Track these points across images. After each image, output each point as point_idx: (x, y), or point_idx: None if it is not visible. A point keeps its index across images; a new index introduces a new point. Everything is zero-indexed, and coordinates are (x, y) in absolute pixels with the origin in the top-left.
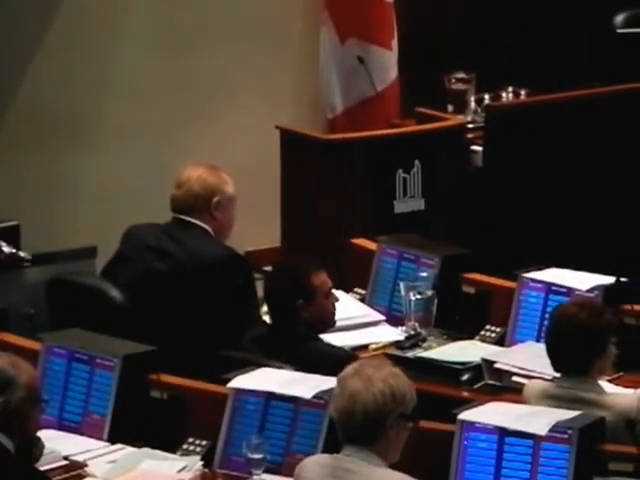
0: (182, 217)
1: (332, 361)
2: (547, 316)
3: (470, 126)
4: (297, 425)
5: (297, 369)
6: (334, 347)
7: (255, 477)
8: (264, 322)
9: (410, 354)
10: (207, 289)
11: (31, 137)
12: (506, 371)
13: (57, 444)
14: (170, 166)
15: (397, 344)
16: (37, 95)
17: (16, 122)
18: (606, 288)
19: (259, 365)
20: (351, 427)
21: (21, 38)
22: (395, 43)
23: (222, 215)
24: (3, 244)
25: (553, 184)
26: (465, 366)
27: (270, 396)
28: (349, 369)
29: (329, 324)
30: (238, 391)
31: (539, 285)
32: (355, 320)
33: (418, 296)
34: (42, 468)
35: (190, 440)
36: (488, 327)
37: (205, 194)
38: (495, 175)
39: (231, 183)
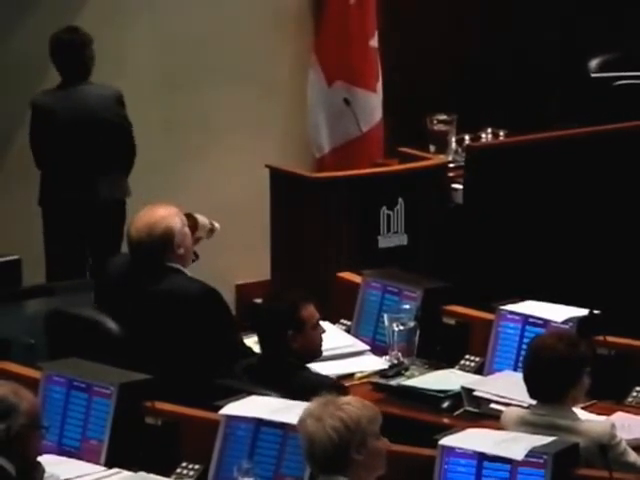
0: (152, 262)
1: (319, 389)
2: (524, 346)
3: (451, 165)
4: (286, 450)
5: (285, 397)
6: (321, 376)
7: None
8: (253, 352)
9: (393, 382)
10: (192, 324)
11: (31, 171)
12: (485, 399)
13: (56, 468)
14: None
15: (381, 373)
16: None
17: (18, 156)
18: (580, 320)
19: (249, 393)
20: (318, 464)
21: (25, 69)
22: (380, 86)
23: (184, 246)
24: None
25: (530, 220)
26: (446, 394)
27: (260, 422)
28: (304, 411)
29: (317, 354)
30: (229, 418)
31: (516, 317)
32: (341, 350)
33: (401, 327)
34: None
35: (184, 464)
36: (467, 357)
37: (164, 242)
38: (475, 212)
39: (177, 214)
